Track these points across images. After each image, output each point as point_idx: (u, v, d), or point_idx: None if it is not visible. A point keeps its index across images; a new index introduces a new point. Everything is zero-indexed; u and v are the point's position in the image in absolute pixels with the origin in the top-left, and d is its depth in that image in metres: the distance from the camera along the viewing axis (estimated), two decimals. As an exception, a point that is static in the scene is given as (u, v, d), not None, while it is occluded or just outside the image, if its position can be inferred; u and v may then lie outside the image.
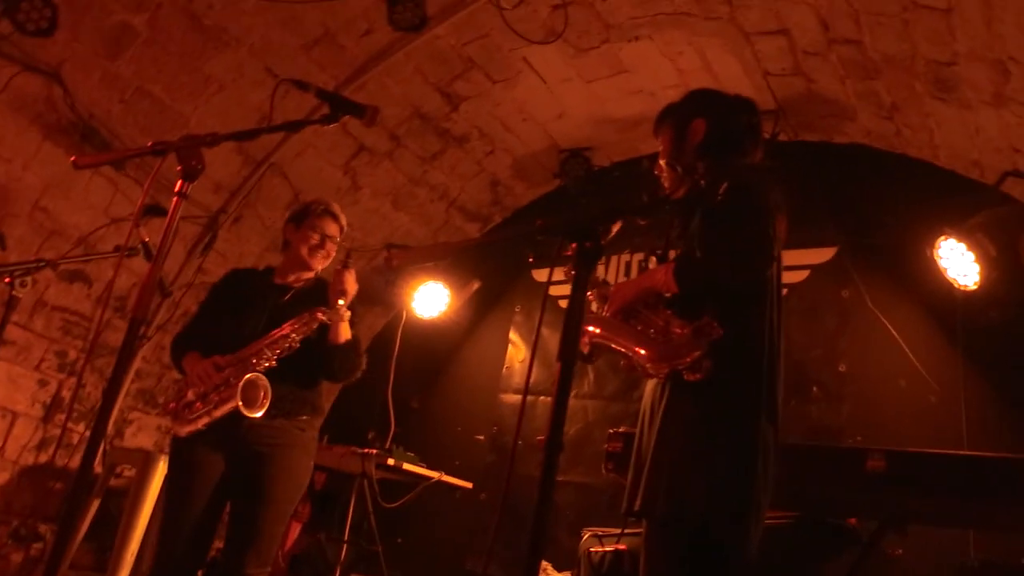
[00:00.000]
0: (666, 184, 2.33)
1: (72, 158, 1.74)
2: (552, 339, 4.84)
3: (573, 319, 1.38)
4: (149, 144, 1.80)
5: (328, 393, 3.12)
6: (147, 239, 2.94)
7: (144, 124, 4.29)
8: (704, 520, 1.92)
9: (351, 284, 2.93)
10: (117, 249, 3.35)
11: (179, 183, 1.78)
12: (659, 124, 2.43)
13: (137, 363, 4.78)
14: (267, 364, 2.77)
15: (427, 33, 4.32)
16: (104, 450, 4.28)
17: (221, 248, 4.93)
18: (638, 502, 2.01)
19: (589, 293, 2.25)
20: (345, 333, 2.94)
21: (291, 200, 5.00)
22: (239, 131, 1.94)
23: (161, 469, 4.01)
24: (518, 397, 5.37)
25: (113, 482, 4.35)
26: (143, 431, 4.97)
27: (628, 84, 4.70)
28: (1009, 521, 2.74)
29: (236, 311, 2.95)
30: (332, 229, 3.13)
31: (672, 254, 2.26)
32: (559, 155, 5.32)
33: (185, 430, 2.77)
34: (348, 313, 2.94)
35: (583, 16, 4.20)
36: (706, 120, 2.30)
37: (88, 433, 4.56)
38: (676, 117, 2.38)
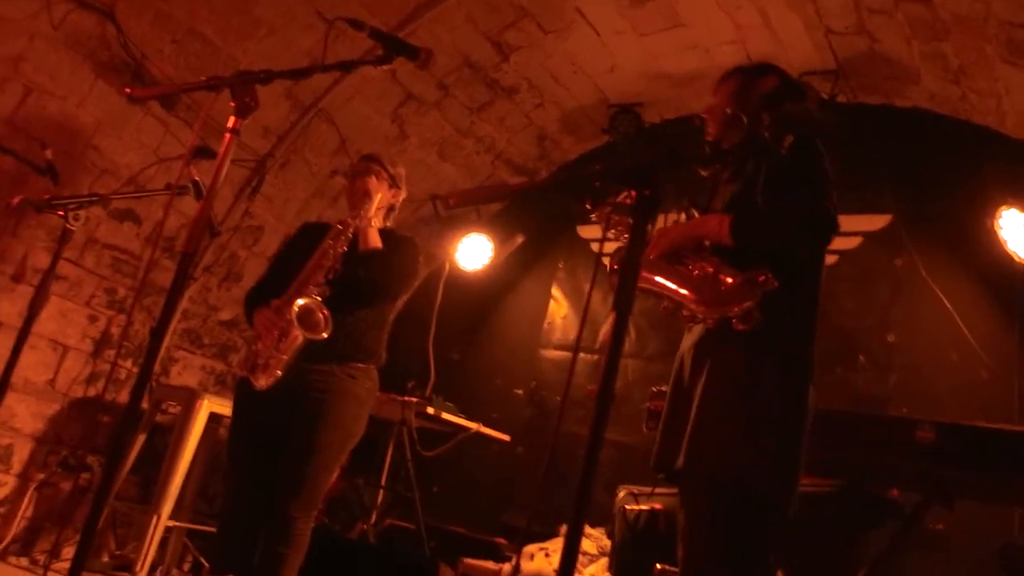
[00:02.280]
0: (712, 131, 2.26)
1: (127, 90, 1.73)
2: (594, 296, 4.81)
3: (630, 270, 1.34)
4: (204, 79, 1.79)
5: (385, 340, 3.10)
6: (197, 179, 2.95)
7: (195, 66, 4.28)
8: (752, 484, 1.89)
9: (368, 184, 2.95)
10: (168, 187, 3.37)
11: (232, 119, 1.77)
12: (726, 76, 2.36)
13: (184, 303, 4.85)
14: (319, 291, 2.73)
15: (481, -20, 4.24)
16: (151, 387, 4.37)
17: (268, 192, 4.94)
18: (681, 459, 1.97)
19: (613, 264, 2.20)
20: (372, 240, 2.91)
21: (338, 147, 4.99)
22: (293, 69, 1.92)
23: (206, 406, 4.08)
24: (558, 353, 5.36)
25: (159, 418, 4.45)
26: (188, 370, 5.06)
27: (683, 38, 4.57)
28: (1059, 500, 2.67)
29: (304, 260, 2.92)
30: (365, 165, 3.10)
31: (718, 204, 2.20)
32: (608, 110, 5.21)
33: (266, 381, 2.75)
34: (373, 220, 2.93)
35: (641, -35, 4.09)
36: (778, 78, 2.27)
37: (136, 370, 4.66)
38: (747, 69, 2.34)
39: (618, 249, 2.12)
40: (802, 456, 1.96)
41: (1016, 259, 3.73)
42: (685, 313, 2.03)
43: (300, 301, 2.66)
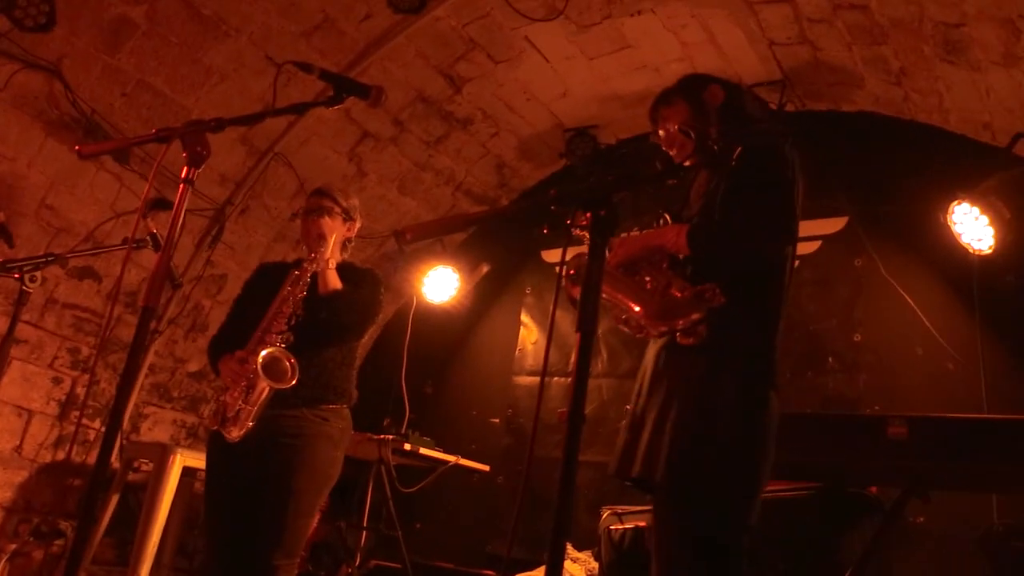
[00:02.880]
0: (675, 153, 2.30)
1: (76, 147, 1.72)
2: (564, 320, 4.82)
3: (591, 290, 1.36)
4: (154, 131, 1.78)
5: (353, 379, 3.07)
6: (155, 231, 2.92)
7: (147, 117, 4.27)
8: (708, 493, 1.89)
9: (322, 227, 2.92)
10: (125, 242, 3.33)
11: (185, 170, 1.76)
12: (668, 97, 2.37)
13: (150, 358, 4.79)
14: (281, 337, 2.74)
15: (427, 15, 4.27)
16: (121, 445, 4.29)
17: (229, 240, 4.91)
18: (636, 467, 1.99)
19: (569, 269, 2.21)
20: (331, 282, 2.88)
21: (297, 189, 4.99)
22: (244, 115, 1.92)
23: (179, 461, 4.02)
24: (532, 379, 5.36)
25: (131, 476, 4.36)
26: (159, 425, 4.98)
27: (632, 59, 4.65)
28: (1033, 484, 2.71)
29: (264, 304, 2.89)
30: (318, 202, 3.04)
31: (687, 214, 2.23)
32: (564, 134, 5.27)
33: (237, 433, 2.72)
34: (331, 261, 2.90)
35: (584, -9, 4.16)
36: (721, 85, 2.28)
37: (104, 429, 4.57)
38: (689, 86, 2.34)
39: (575, 256, 2.13)
40: (764, 463, 1.96)
41: (970, 251, 3.82)
42: (633, 325, 2.05)
43: (264, 352, 2.65)
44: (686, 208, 2.24)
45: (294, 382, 2.65)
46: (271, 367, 2.64)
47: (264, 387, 2.64)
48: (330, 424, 2.86)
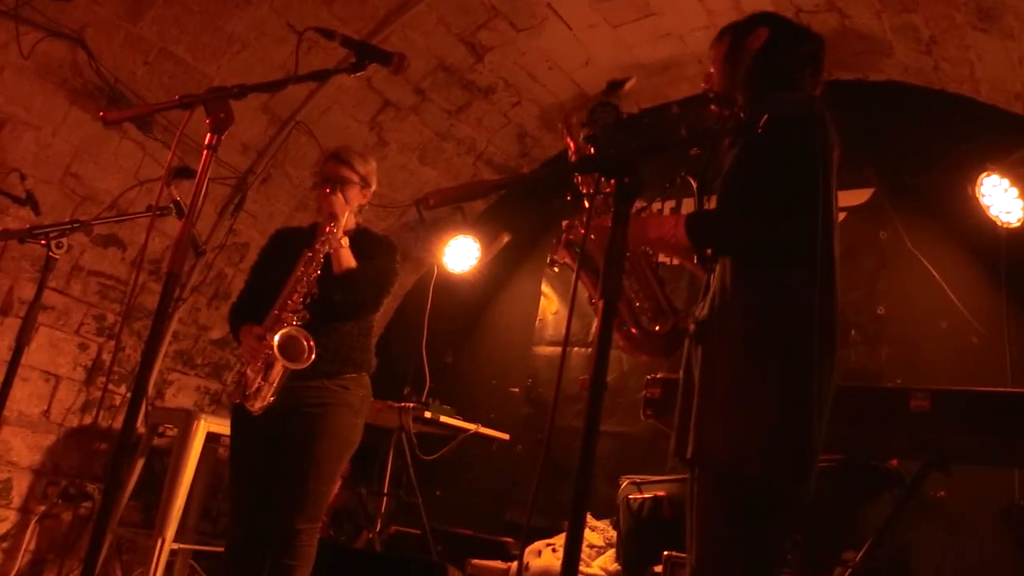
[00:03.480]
0: (715, 95, 2.19)
1: (101, 113, 1.72)
2: (584, 290, 4.80)
3: (614, 257, 1.35)
4: (177, 98, 1.78)
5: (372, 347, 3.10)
6: (178, 198, 2.94)
7: (169, 85, 4.27)
8: (763, 473, 1.81)
9: (334, 206, 2.90)
10: (149, 209, 3.35)
11: (208, 136, 1.76)
12: (719, 37, 2.26)
13: (174, 325, 4.84)
14: (297, 316, 2.77)
15: (450, -19, 4.24)
16: (146, 410, 4.36)
17: (251, 209, 4.93)
18: (689, 449, 1.90)
19: (561, 250, 2.17)
20: (345, 261, 2.89)
21: (318, 158, 4.97)
22: (266, 82, 1.91)
23: (203, 426, 4.07)
24: (552, 349, 5.36)
25: (156, 441, 4.43)
26: (183, 391, 5.04)
27: (655, 27, 4.58)
28: (1056, 459, 2.69)
29: (281, 271, 2.91)
30: (336, 170, 3.04)
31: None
32: (587, 103, 5.22)
33: (258, 406, 2.78)
34: (344, 239, 2.90)
35: (608, -43, 4.10)
36: (770, 30, 2.15)
37: (129, 394, 4.64)
38: (737, 26, 2.23)
39: (570, 222, 2.10)
40: (812, 439, 1.84)
41: (999, 223, 3.76)
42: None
43: (281, 332, 2.70)
44: (717, 178, 2.14)
45: (310, 361, 2.70)
46: (288, 347, 2.70)
47: (282, 367, 2.71)
48: (350, 392, 2.91)
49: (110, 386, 4.66)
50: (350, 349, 2.94)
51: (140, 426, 4.31)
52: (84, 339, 4.50)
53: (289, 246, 3.01)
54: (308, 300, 2.79)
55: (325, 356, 2.81)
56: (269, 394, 2.76)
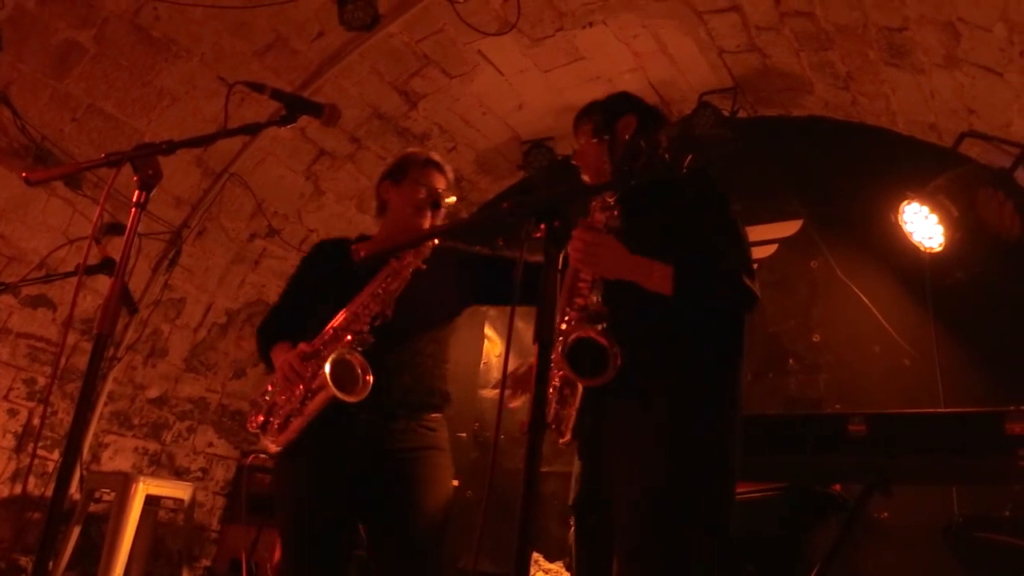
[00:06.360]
0: (589, 176, 2.31)
1: (24, 174, 1.69)
2: (526, 331, 4.82)
3: (548, 300, 1.37)
4: (103, 156, 1.76)
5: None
6: (110, 255, 2.88)
7: (98, 142, 4.21)
8: (682, 504, 1.85)
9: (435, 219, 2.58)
10: (77, 268, 3.28)
11: (136, 193, 1.74)
12: (584, 117, 2.38)
13: (109, 385, 4.70)
14: (359, 339, 2.28)
15: (380, 32, 4.28)
16: (81, 475, 4.20)
17: (187, 263, 4.85)
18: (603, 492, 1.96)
19: (595, 213, 2.11)
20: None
21: (254, 210, 4.95)
22: (196, 137, 1.90)
23: (142, 489, 3.94)
24: (497, 392, 5.35)
25: (93, 507, 4.28)
26: (120, 454, 4.88)
27: (585, 71, 4.70)
28: (989, 474, 2.77)
29: (331, 288, 2.45)
30: (441, 183, 2.63)
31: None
32: (521, 147, 5.30)
33: (279, 441, 2.29)
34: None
35: (535, 5, 4.19)
36: (635, 114, 2.26)
37: (61, 460, 4.47)
38: (603, 108, 2.34)
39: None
40: (731, 474, 1.93)
41: (922, 249, 3.90)
42: None
43: (334, 354, 2.22)
44: (641, 221, 2.12)
45: (362, 396, 2.21)
46: (339, 373, 2.21)
47: (327, 395, 2.20)
48: (437, 434, 2.43)
49: (43, 452, 4.49)
50: (435, 380, 2.44)
51: (75, 492, 4.15)
52: (13, 404, 4.34)
53: (335, 262, 2.54)
54: (378, 322, 2.32)
55: (398, 386, 2.33)
56: (298, 429, 2.27)
